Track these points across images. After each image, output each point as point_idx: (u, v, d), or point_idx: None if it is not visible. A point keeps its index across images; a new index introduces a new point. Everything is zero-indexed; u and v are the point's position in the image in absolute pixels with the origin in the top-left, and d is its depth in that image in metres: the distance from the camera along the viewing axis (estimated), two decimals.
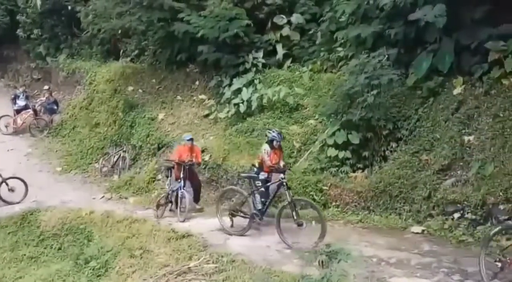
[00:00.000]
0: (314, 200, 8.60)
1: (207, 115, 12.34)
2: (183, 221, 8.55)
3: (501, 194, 6.54)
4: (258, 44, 12.38)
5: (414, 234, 7.08)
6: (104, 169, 13.03)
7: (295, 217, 6.95)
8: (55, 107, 16.15)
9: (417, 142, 8.24)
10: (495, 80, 7.77)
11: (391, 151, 8.55)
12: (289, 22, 12.48)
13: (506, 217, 6.43)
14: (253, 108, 11.26)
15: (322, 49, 11.76)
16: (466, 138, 7.55)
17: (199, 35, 11.95)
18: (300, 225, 6.92)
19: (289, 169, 8.30)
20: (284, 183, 7.15)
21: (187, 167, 9.04)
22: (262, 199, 7.53)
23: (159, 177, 10.99)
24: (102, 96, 14.79)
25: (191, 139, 9.38)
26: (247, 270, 6.27)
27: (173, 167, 9.39)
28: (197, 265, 6.65)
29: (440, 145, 7.84)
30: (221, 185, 9.67)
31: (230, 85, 12.00)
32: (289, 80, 11.59)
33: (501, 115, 7.38)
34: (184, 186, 8.98)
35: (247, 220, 7.67)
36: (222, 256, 6.76)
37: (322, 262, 5.98)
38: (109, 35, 15.70)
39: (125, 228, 8.68)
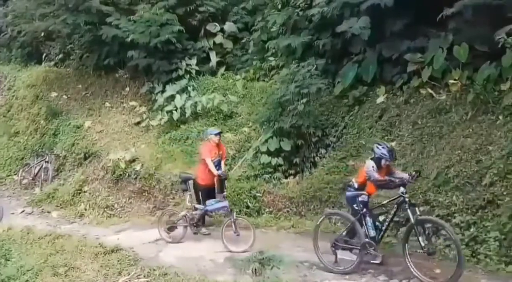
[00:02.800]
0: (248, 207, 8.69)
1: (138, 123, 12.06)
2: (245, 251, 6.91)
3: (420, 196, 6.99)
4: (191, 51, 12.34)
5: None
6: (24, 181, 12.28)
7: (423, 244, 5.50)
8: None
9: (344, 148, 8.62)
10: (414, 89, 8.34)
11: (320, 157, 8.86)
12: (222, 30, 12.58)
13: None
14: (187, 115, 11.17)
15: (254, 58, 12.00)
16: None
17: (128, 39, 11.67)
18: (431, 254, 5.56)
19: (414, 178, 6.04)
20: (406, 199, 5.69)
21: (223, 178, 7.40)
22: (377, 223, 6.05)
23: (86, 188, 10.46)
24: (22, 102, 13.97)
25: (220, 133, 7.89)
26: None
27: (194, 179, 7.69)
28: (127, 280, 6.38)
29: (365, 150, 8.23)
30: (154, 195, 9.41)
31: (162, 91, 11.81)
32: (223, 88, 11.68)
33: (420, 122, 7.91)
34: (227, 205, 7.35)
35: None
36: (154, 270, 6.53)
37: (255, 269, 6.06)
38: (31, 38, 14.91)
39: (47, 244, 8.12)
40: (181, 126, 11.08)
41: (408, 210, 5.64)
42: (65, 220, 9.90)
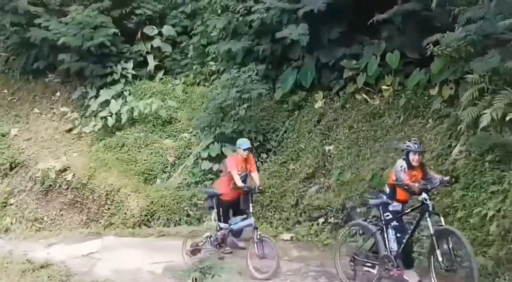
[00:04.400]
0: (188, 215, 8.48)
1: (70, 130, 11.58)
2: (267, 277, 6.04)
3: (357, 198, 7.19)
4: (128, 54, 12.02)
5: (284, 241, 7.30)
6: None
7: (440, 258, 4.82)
8: None
9: (284, 152, 8.72)
10: (350, 95, 8.63)
11: (262, 162, 8.87)
12: (160, 34, 12.32)
13: (363, 219, 7.03)
14: (122, 121, 10.82)
15: (194, 62, 11.87)
16: (327, 148, 8.21)
17: (59, 42, 11.18)
18: (450, 270, 4.83)
19: (444, 184, 5.39)
20: (430, 207, 4.99)
21: (254, 193, 6.55)
22: (398, 235, 5.27)
23: (12, 201, 9.74)
24: None
25: (249, 148, 6.98)
26: None
27: (220, 195, 6.78)
28: None
29: (305, 154, 8.39)
30: (87, 206, 8.92)
31: (96, 97, 11.41)
32: (162, 92, 11.46)
33: (355, 126, 8.19)
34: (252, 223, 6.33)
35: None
36: None
37: (196, 279, 5.85)
38: None
39: None
40: (116, 133, 10.71)
41: (428, 219, 4.99)
42: None
